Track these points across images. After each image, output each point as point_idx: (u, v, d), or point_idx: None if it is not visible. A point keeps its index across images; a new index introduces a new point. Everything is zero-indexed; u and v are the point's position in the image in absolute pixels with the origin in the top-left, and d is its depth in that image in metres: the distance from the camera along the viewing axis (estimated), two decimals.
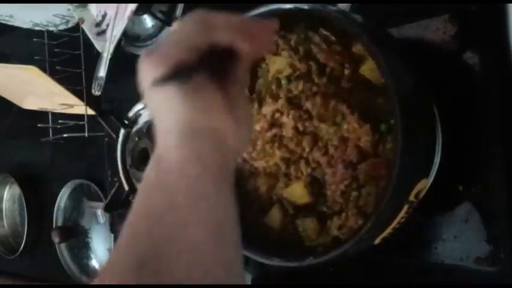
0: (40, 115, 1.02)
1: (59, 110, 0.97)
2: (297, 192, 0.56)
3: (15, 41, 1.11)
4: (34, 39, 1.01)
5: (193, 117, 0.37)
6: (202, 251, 0.34)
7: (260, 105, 0.58)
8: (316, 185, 0.55)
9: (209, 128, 0.37)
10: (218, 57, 0.38)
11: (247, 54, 0.38)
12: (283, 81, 0.56)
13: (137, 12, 0.84)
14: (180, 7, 0.84)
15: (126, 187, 0.88)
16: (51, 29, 1.00)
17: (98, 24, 0.90)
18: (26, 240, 1.07)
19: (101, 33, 0.89)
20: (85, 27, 0.91)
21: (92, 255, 1.02)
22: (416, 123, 0.48)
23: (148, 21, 0.89)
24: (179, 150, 0.37)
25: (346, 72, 0.54)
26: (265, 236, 0.57)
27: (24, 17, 0.97)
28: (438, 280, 0.58)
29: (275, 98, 0.56)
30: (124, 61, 0.90)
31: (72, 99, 0.93)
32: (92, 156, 0.99)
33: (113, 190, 0.89)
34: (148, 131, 0.82)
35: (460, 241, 0.56)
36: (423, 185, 0.51)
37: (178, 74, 0.36)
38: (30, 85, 0.94)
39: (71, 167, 1.05)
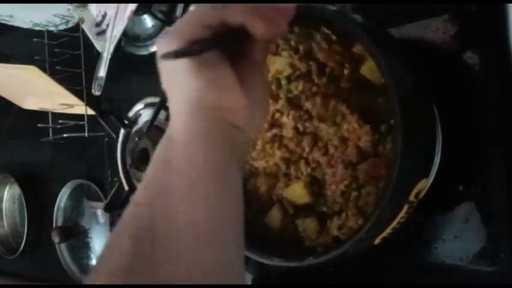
0: (40, 115, 1.02)
1: (59, 110, 0.97)
2: (297, 192, 0.56)
3: (15, 41, 1.11)
4: (34, 39, 1.01)
5: (202, 95, 0.37)
6: (202, 251, 0.34)
7: None
8: (316, 185, 0.55)
9: (219, 107, 0.37)
10: (232, 36, 0.37)
11: (261, 35, 0.37)
12: (283, 82, 0.56)
13: (137, 12, 0.84)
14: (180, 7, 0.84)
15: (126, 187, 0.88)
16: (51, 29, 1.00)
17: (98, 24, 0.90)
18: (26, 240, 1.07)
19: (101, 33, 0.89)
20: (85, 27, 0.91)
21: (92, 255, 1.02)
22: (416, 123, 0.48)
23: (148, 21, 0.89)
24: (187, 132, 0.37)
25: (346, 72, 0.54)
26: (265, 236, 0.57)
27: (24, 17, 0.97)
28: (438, 280, 0.58)
29: (275, 98, 0.56)
30: (124, 61, 0.90)
31: (72, 99, 0.93)
32: (92, 156, 0.99)
33: (113, 190, 0.89)
34: (148, 131, 0.82)
35: (460, 241, 0.56)
36: (423, 185, 0.51)
37: (190, 49, 0.36)
38: (30, 85, 0.94)
39: (71, 167, 1.05)
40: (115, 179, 0.92)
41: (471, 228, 0.55)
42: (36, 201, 1.10)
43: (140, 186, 0.37)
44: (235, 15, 0.37)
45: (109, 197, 0.88)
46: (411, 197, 0.50)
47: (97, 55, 0.89)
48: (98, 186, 0.97)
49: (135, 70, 0.91)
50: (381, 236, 0.51)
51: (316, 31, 0.56)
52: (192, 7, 0.38)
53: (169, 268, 0.33)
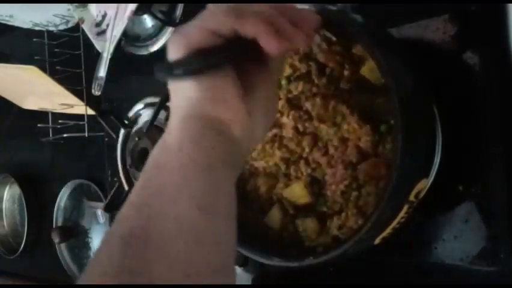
0: (40, 115, 1.02)
1: (59, 110, 0.97)
2: (297, 192, 0.56)
3: (15, 41, 1.11)
4: (34, 39, 1.01)
5: (197, 104, 0.36)
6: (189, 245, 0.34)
7: None
8: (316, 185, 0.55)
9: (213, 117, 0.37)
10: (244, 47, 0.35)
11: (274, 54, 0.35)
12: (283, 82, 0.56)
13: (137, 12, 0.84)
14: (180, 7, 0.84)
15: (126, 187, 0.88)
16: (51, 29, 1.00)
17: (98, 24, 0.90)
18: (26, 240, 1.07)
19: (101, 33, 0.89)
20: (85, 27, 0.91)
21: (92, 255, 1.02)
22: (416, 123, 0.48)
23: (148, 21, 0.89)
24: (178, 138, 0.36)
25: (346, 73, 0.54)
26: (265, 236, 0.57)
27: (24, 17, 0.97)
28: (438, 280, 0.58)
29: None
30: (124, 61, 0.90)
31: (72, 99, 0.93)
32: (92, 156, 0.99)
33: (113, 190, 0.89)
34: (148, 131, 0.82)
35: (460, 241, 0.56)
36: (423, 185, 0.51)
37: (196, 68, 0.35)
38: (30, 85, 0.94)
39: (71, 167, 1.05)
40: (115, 179, 0.92)
41: (471, 228, 0.55)
42: (36, 201, 1.10)
43: (135, 186, 0.37)
44: (248, 27, 0.35)
45: (109, 197, 0.88)
46: (411, 197, 0.50)
47: (97, 55, 0.89)
48: (98, 186, 0.97)
49: (135, 70, 0.91)
50: (381, 236, 0.51)
51: (316, 32, 0.56)
52: (208, 7, 0.36)
53: (161, 268, 0.32)
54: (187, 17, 0.84)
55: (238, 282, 0.70)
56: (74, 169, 1.03)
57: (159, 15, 0.85)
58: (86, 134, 0.93)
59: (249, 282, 0.70)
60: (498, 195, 0.53)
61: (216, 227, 0.35)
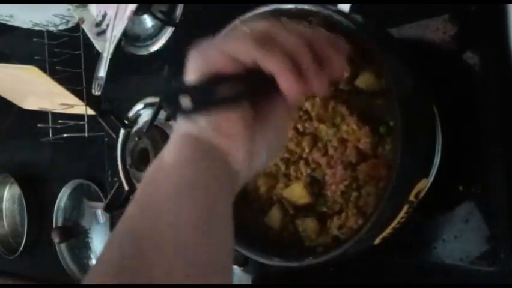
0: (40, 115, 1.02)
1: (59, 110, 0.97)
2: (297, 192, 0.56)
3: (15, 41, 1.11)
4: (34, 39, 1.01)
5: (205, 129, 0.36)
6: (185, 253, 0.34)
7: None
8: (316, 185, 0.55)
9: (217, 144, 0.36)
10: (261, 79, 0.33)
11: (292, 97, 0.33)
12: None
13: (137, 12, 0.84)
14: (180, 7, 0.84)
15: (126, 187, 0.88)
16: (51, 29, 1.00)
17: (98, 24, 0.90)
18: (26, 240, 1.07)
19: (101, 33, 0.89)
20: (85, 27, 0.91)
21: (92, 255, 1.02)
22: (416, 123, 0.48)
23: (148, 21, 0.89)
24: (175, 156, 0.36)
25: (346, 74, 0.54)
26: (265, 236, 0.57)
27: (24, 17, 0.97)
28: (438, 280, 0.58)
29: None
30: (124, 61, 0.90)
31: (72, 99, 0.93)
32: (92, 156, 0.99)
33: (113, 190, 0.89)
34: (148, 131, 0.82)
35: (460, 241, 0.56)
36: (423, 185, 0.51)
37: (208, 85, 0.34)
38: (30, 85, 0.95)
39: (71, 167, 1.05)
40: (115, 179, 0.92)
41: (471, 228, 0.55)
42: (36, 201, 1.10)
43: (136, 190, 0.37)
44: (269, 62, 0.33)
45: (109, 197, 0.88)
46: (411, 197, 0.50)
47: (97, 55, 0.89)
48: (98, 186, 0.97)
49: (135, 70, 0.91)
50: (381, 236, 0.51)
51: None
52: (235, 26, 0.33)
53: (161, 268, 0.32)
54: (187, 17, 0.84)
55: (238, 282, 0.70)
56: (74, 169, 1.03)
57: (159, 15, 0.85)
58: (86, 134, 0.93)
59: (249, 282, 0.70)
60: (498, 195, 0.53)
61: (215, 229, 0.35)
